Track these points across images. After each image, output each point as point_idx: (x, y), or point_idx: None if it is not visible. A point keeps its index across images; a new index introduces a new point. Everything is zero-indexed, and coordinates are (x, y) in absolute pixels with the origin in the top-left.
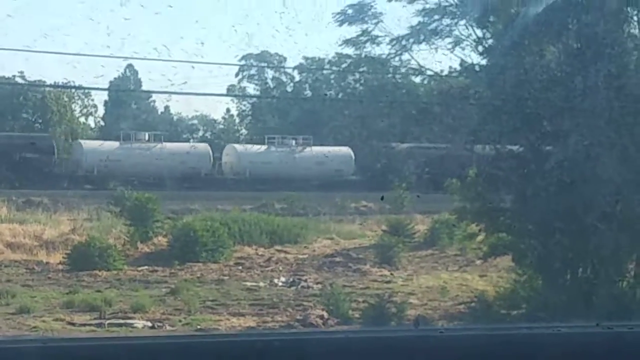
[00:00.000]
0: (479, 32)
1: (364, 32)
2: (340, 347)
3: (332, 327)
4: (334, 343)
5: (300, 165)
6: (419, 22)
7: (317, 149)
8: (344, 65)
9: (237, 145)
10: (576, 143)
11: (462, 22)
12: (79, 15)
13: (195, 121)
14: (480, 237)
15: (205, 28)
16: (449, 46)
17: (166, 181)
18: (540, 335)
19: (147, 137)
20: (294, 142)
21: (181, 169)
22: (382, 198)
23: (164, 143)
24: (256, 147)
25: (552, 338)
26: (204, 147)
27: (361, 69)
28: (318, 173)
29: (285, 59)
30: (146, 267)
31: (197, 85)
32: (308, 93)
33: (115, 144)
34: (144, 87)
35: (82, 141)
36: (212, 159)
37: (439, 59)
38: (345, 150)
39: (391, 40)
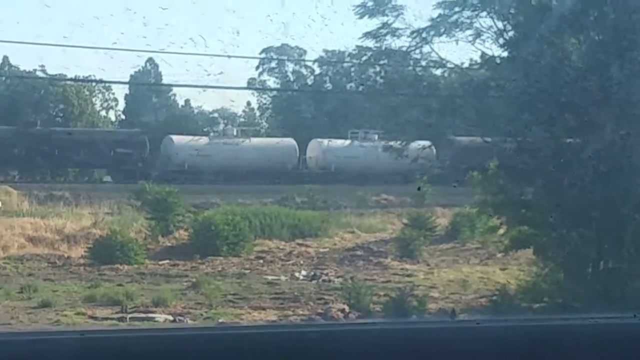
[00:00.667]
0: (500, 24)
1: (385, 25)
2: (376, 339)
3: (368, 319)
4: (370, 334)
5: (382, 159)
6: (440, 15)
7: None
8: (364, 58)
9: (322, 140)
10: (601, 134)
11: (483, 14)
12: (115, 6)
13: (216, 114)
14: (501, 230)
15: (242, 18)
16: (470, 38)
17: (254, 176)
18: (576, 326)
19: (235, 133)
20: (376, 136)
21: (268, 163)
22: (419, 189)
23: (251, 138)
24: (340, 142)
25: (589, 329)
26: (289, 142)
27: (382, 62)
28: (398, 166)
29: (305, 52)
30: (167, 261)
31: (222, 78)
32: (328, 86)
33: (205, 139)
34: (164, 81)
35: (172, 136)
36: (298, 153)
37: (459, 51)
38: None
39: (412, 33)
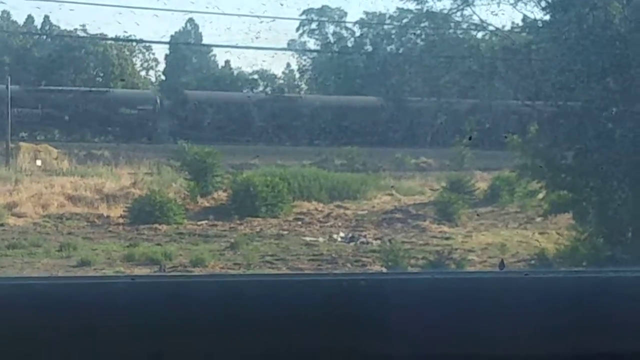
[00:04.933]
0: None
1: None
2: (425, 288)
3: (416, 269)
4: (418, 284)
5: None
6: None
7: None
8: (405, 20)
9: None
10: None
11: None
12: None
13: (256, 76)
14: (540, 195)
15: None
16: (512, 1)
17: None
18: (626, 278)
19: None
20: None
21: None
22: (470, 138)
23: None
24: None
25: (638, 281)
26: None
27: (422, 24)
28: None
29: (345, 13)
30: (206, 221)
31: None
32: (368, 48)
33: None
34: (205, 41)
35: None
36: None
37: (501, 14)
38: None
39: None
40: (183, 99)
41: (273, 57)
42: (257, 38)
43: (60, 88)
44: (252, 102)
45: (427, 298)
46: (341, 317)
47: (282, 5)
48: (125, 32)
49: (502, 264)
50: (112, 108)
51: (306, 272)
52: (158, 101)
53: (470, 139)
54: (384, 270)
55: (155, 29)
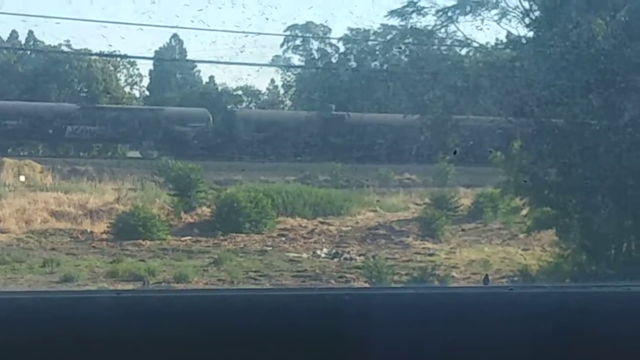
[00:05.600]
0: (526, 4)
1: (410, 3)
2: (409, 303)
3: (401, 284)
4: (403, 298)
5: None
6: None
7: None
8: (389, 37)
9: None
10: (626, 117)
11: None
12: None
13: (240, 92)
14: (524, 211)
15: None
16: (496, 18)
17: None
18: (609, 293)
19: None
20: None
21: None
22: (455, 152)
23: None
24: None
25: (622, 296)
26: None
27: (406, 40)
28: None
29: (330, 29)
30: (189, 237)
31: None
32: (353, 64)
33: None
34: (189, 56)
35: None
36: None
37: (485, 30)
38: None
39: (437, 12)
40: (232, 117)
41: (258, 71)
42: (241, 52)
43: (115, 106)
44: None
45: (411, 313)
46: (325, 332)
47: (267, 19)
48: (110, 45)
49: (486, 279)
50: (167, 125)
51: (290, 287)
52: (210, 119)
53: (455, 153)
54: (369, 285)
55: (140, 43)
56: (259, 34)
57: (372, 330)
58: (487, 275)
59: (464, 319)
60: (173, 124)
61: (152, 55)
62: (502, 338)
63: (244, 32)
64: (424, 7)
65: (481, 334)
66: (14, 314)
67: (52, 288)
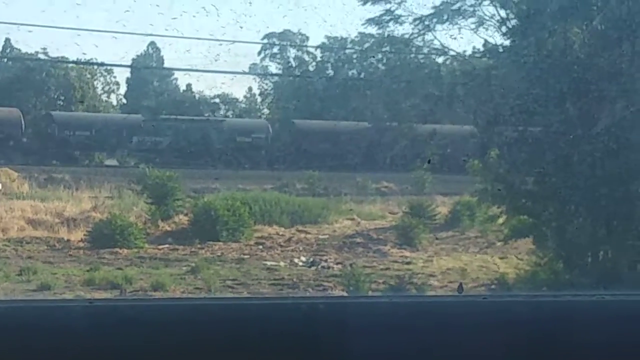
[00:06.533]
0: (503, 13)
1: (387, 12)
2: (384, 312)
3: (376, 293)
4: (377, 307)
5: None
6: (443, 2)
7: None
8: (366, 45)
9: None
10: (599, 126)
11: (486, 2)
12: None
13: (217, 100)
14: (501, 220)
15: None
16: (473, 26)
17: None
18: (583, 302)
19: None
20: None
21: None
22: (429, 161)
23: None
24: None
25: (596, 305)
26: None
27: (384, 49)
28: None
29: (307, 38)
30: (167, 245)
31: (228, 61)
32: (330, 72)
33: None
34: (166, 64)
35: None
36: None
37: (462, 39)
38: None
39: (414, 20)
40: (292, 128)
41: (232, 79)
42: (216, 61)
43: (184, 117)
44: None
45: (386, 322)
46: (300, 341)
47: (241, 28)
48: (84, 54)
49: (460, 288)
50: (231, 136)
51: (265, 296)
52: (270, 129)
53: (429, 162)
54: (345, 294)
55: (114, 51)
56: (235, 42)
57: (347, 339)
58: (461, 284)
59: (438, 327)
60: (235, 134)
61: (128, 63)
62: (477, 346)
63: (219, 40)
64: (400, 16)
65: (456, 343)
66: None
67: (25, 297)
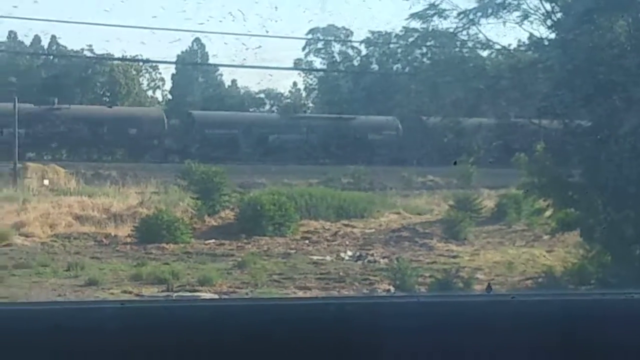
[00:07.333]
0: (548, 6)
1: (432, 6)
2: (413, 311)
3: (404, 292)
4: (406, 307)
5: None
6: None
7: None
8: (410, 39)
9: None
10: None
11: None
12: None
13: (262, 95)
14: (548, 213)
15: None
16: (517, 20)
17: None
18: (612, 301)
19: None
20: None
21: None
22: (455, 163)
23: None
24: None
25: (625, 304)
26: None
27: (428, 43)
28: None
29: (352, 32)
30: (213, 240)
31: (268, 58)
32: (375, 67)
33: None
34: (211, 60)
35: None
36: None
37: (507, 32)
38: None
39: (458, 14)
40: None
41: (271, 76)
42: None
43: (315, 115)
44: None
45: (414, 322)
46: (329, 341)
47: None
48: (124, 51)
49: (489, 287)
50: (362, 133)
51: (294, 296)
52: (400, 127)
53: (455, 163)
54: (373, 294)
55: (161, 47)
56: (279, 37)
57: (376, 340)
58: (489, 284)
59: (467, 327)
60: (366, 131)
61: (174, 59)
62: (506, 346)
63: (263, 35)
64: (445, 10)
65: (484, 342)
66: (18, 325)
67: (74, 293)
